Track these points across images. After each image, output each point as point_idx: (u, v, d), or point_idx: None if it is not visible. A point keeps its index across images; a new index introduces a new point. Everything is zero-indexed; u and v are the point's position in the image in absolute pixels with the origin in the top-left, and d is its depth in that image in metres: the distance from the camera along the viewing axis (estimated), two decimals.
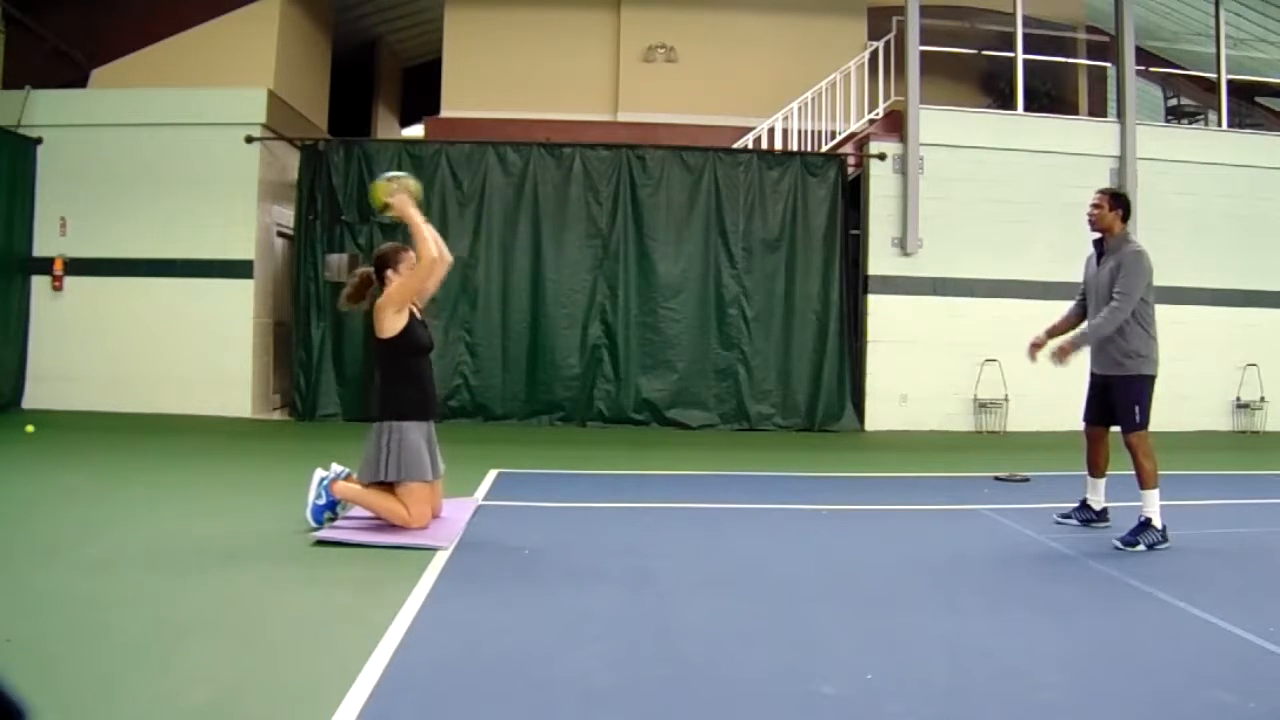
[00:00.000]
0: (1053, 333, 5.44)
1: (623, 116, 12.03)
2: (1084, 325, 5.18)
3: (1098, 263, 5.26)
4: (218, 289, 10.23)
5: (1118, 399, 5.04)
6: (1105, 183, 10.11)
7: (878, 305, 10.43)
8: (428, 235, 4.80)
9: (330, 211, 10.28)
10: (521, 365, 10.22)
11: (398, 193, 4.86)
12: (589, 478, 7.00)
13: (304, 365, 10.19)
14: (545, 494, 6.13)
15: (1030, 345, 5.42)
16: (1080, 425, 5.40)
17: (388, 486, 4.80)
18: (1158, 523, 4.82)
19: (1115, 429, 5.14)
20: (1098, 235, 5.24)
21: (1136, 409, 4.96)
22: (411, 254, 4.95)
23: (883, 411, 10.39)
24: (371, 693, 2.75)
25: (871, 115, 10.91)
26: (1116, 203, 5.19)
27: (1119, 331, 5.00)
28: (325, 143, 10.74)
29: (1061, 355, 5.08)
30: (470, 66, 12.10)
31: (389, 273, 4.89)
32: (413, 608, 3.57)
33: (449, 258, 4.96)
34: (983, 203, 10.47)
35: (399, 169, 10.21)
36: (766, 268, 10.38)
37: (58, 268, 10.26)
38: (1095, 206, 5.20)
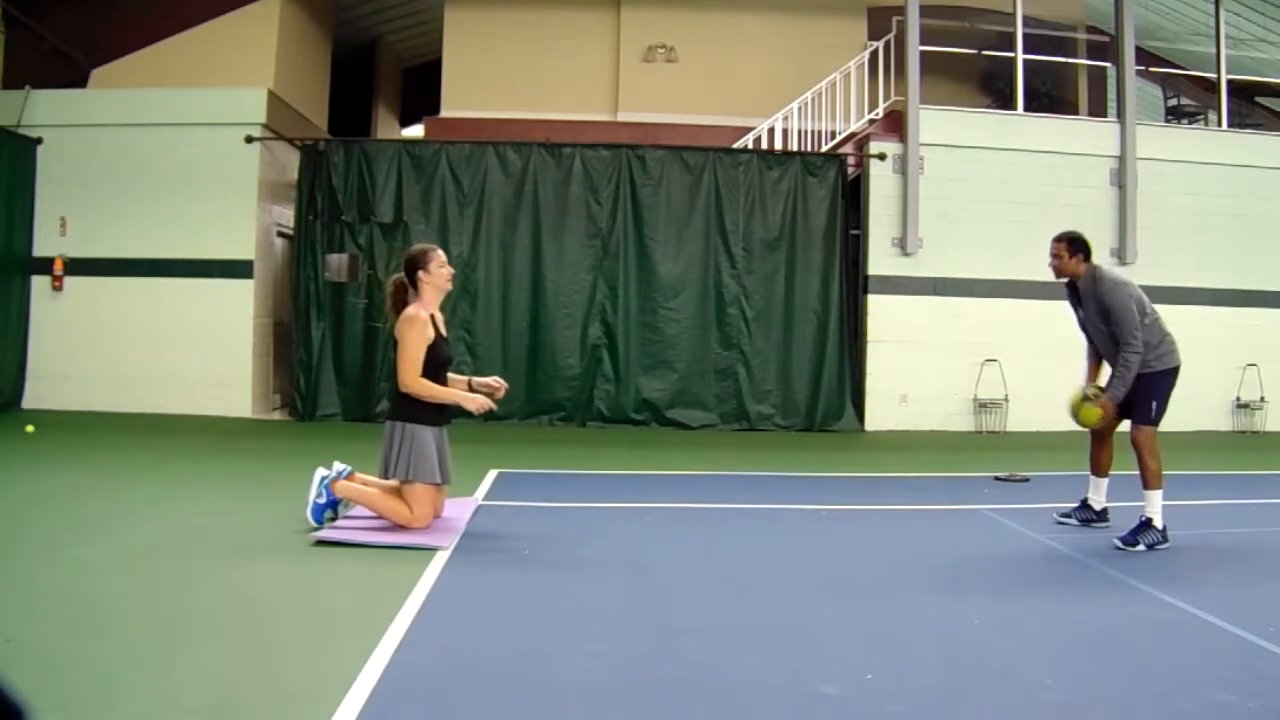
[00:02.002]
0: (1090, 378, 5.38)
1: (623, 116, 12.03)
2: (1110, 382, 5.06)
3: (1078, 302, 5.25)
4: (218, 289, 10.24)
5: (1138, 393, 4.99)
6: (1105, 182, 10.15)
7: (878, 305, 10.43)
8: (442, 400, 4.83)
9: (330, 211, 10.28)
10: (521, 365, 10.22)
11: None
12: (589, 478, 7.01)
13: (304, 365, 10.19)
14: (545, 494, 6.12)
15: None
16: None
17: (393, 486, 4.82)
18: (1158, 523, 4.82)
19: (1121, 428, 5.13)
20: (1065, 280, 5.24)
21: (1154, 404, 4.96)
22: (441, 253, 4.99)
23: (883, 411, 10.39)
24: (371, 693, 2.75)
25: (871, 115, 10.91)
26: (1075, 248, 5.17)
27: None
28: (325, 143, 10.74)
29: (1108, 410, 5.02)
30: (470, 66, 12.10)
31: (420, 274, 4.89)
32: (413, 608, 3.57)
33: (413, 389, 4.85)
34: (983, 203, 10.47)
35: (399, 169, 10.29)
36: (766, 268, 10.38)
37: (58, 268, 10.26)
38: (1055, 256, 5.21)
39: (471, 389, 5.01)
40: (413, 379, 4.76)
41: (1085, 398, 5.02)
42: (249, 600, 3.69)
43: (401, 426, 4.78)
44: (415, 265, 4.92)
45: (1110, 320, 4.99)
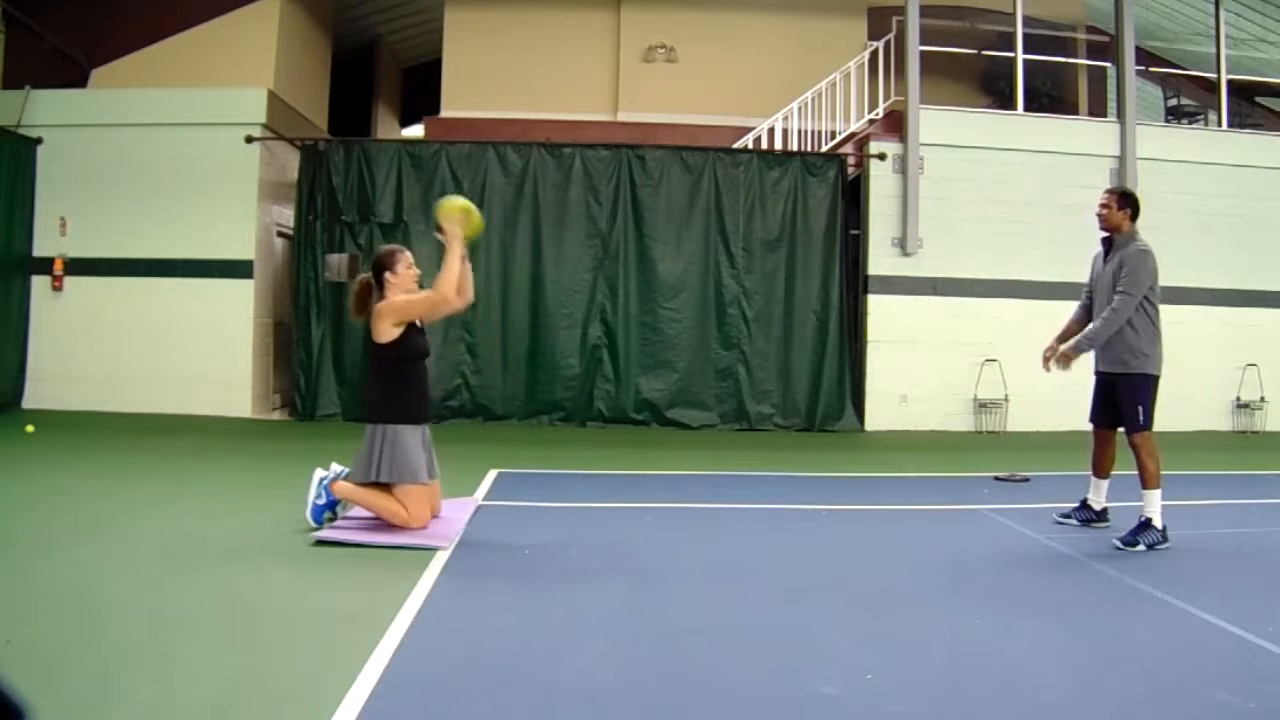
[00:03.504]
0: (1063, 338, 5.41)
1: (623, 116, 12.03)
2: (1086, 329, 5.19)
3: (1104, 261, 5.27)
4: (218, 289, 10.24)
5: (1121, 399, 5.05)
6: (1105, 183, 10.11)
7: (878, 305, 10.43)
8: (457, 271, 4.78)
9: (330, 211, 10.28)
10: (521, 365, 10.22)
11: (461, 220, 4.77)
12: (589, 478, 7.00)
13: (304, 365, 10.19)
14: (545, 494, 6.13)
15: (1044, 355, 5.39)
16: (1086, 425, 5.40)
17: (385, 487, 4.81)
18: (1158, 523, 4.82)
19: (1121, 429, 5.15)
20: (1106, 234, 5.25)
21: (1140, 409, 4.97)
22: (409, 255, 4.99)
23: (883, 411, 10.39)
24: (371, 693, 2.75)
25: (871, 115, 10.91)
26: (1124, 201, 5.19)
27: (1130, 328, 5.00)
28: (325, 143, 10.74)
29: (1064, 360, 5.16)
30: (470, 66, 12.10)
31: (387, 275, 4.89)
32: (413, 608, 3.57)
33: (464, 301, 4.96)
34: (983, 203, 10.47)
35: (399, 169, 10.29)
36: (766, 268, 10.38)
37: (58, 268, 10.26)
38: (1103, 205, 5.21)
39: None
40: (435, 296, 4.75)
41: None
42: (249, 600, 3.69)
43: (381, 429, 4.76)
44: (383, 267, 4.91)
45: (1122, 276, 5.00)
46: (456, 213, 4.80)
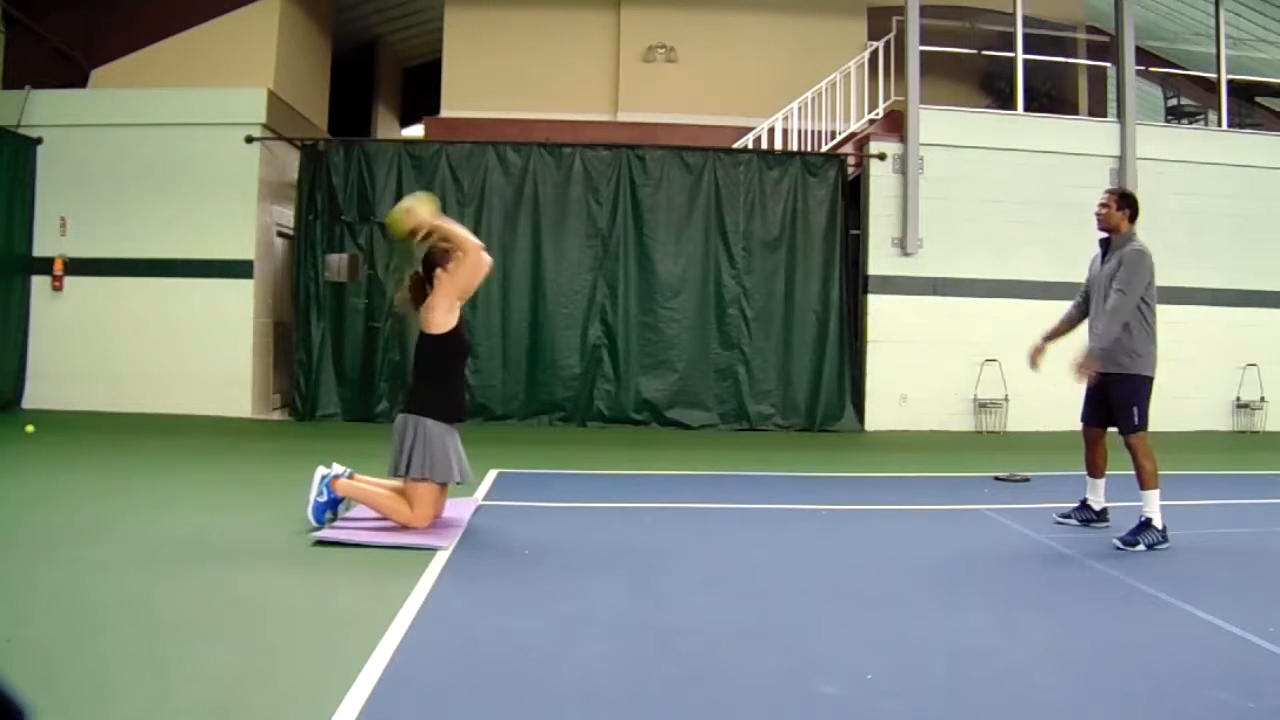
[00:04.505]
0: (1050, 337, 5.44)
1: (623, 116, 12.03)
2: (1094, 337, 5.12)
3: (1102, 261, 5.27)
4: (218, 289, 10.24)
5: (1115, 399, 5.05)
6: (1105, 183, 10.12)
7: (878, 305, 10.43)
8: (466, 234, 4.82)
9: (330, 211, 10.28)
10: (521, 365, 10.23)
11: (418, 213, 4.73)
12: (589, 478, 7.00)
13: (304, 365, 10.19)
14: (545, 494, 6.13)
15: (1032, 353, 5.39)
16: (1079, 425, 5.41)
17: (395, 485, 4.82)
18: (1158, 523, 4.82)
19: (1113, 429, 5.14)
20: (1104, 234, 5.26)
21: (1135, 410, 4.96)
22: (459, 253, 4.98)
23: (883, 411, 10.39)
24: (371, 693, 2.75)
25: (871, 115, 10.91)
26: (1124, 202, 5.20)
27: (1125, 328, 4.99)
28: (325, 143, 10.75)
29: (1083, 371, 5.03)
30: (470, 66, 12.10)
31: (438, 271, 4.85)
32: (413, 608, 3.57)
33: (488, 256, 4.94)
34: (983, 203, 10.47)
35: (399, 169, 10.29)
36: (766, 268, 10.38)
37: (58, 268, 10.27)
38: (1103, 206, 5.22)
39: None
40: (470, 246, 4.74)
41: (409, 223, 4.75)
42: (249, 600, 3.69)
43: (415, 422, 4.75)
44: (435, 262, 4.87)
45: (1118, 275, 4.99)
46: (405, 219, 4.74)
